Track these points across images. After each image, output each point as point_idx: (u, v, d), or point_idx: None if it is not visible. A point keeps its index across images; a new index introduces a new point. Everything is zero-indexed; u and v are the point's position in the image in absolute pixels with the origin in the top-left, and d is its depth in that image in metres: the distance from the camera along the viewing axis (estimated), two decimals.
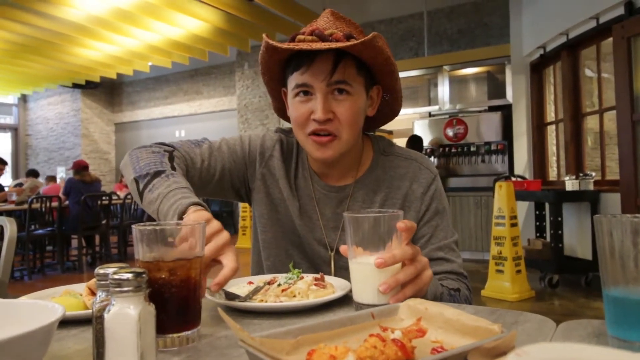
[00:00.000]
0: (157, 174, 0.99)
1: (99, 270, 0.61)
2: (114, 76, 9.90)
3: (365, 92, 1.08)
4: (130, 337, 0.55)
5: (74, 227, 6.31)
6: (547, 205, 5.27)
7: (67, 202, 6.39)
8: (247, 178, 1.20)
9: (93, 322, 0.59)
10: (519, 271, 4.41)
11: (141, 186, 0.98)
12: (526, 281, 4.47)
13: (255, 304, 0.81)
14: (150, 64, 9.12)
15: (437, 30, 7.80)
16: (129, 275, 0.56)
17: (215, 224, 0.80)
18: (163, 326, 0.63)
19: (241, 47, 7.86)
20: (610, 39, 4.47)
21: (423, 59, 7.46)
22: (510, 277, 4.35)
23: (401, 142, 8.27)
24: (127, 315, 0.55)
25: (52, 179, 8.90)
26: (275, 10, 6.39)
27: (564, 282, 4.84)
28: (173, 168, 1.02)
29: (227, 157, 1.16)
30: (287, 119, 1.26)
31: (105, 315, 0.55)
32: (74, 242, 7.06)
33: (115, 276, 0.56)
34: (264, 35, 1.05)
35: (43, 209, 6.21)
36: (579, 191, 4.77)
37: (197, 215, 0.84)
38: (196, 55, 8.20)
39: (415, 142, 6.40)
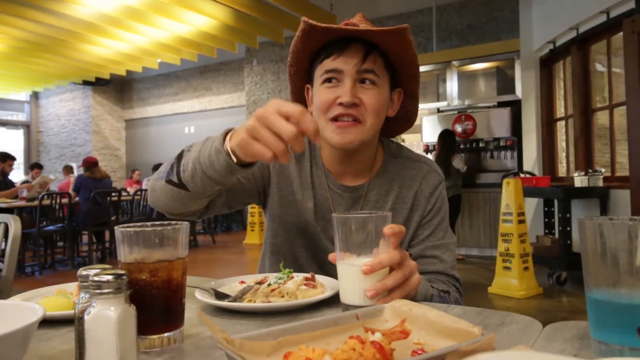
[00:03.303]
0: (179, 157, 0.96)
1: (82, 271, 0.62)
2: (124, 73, 9.97)
3: (389, 89, 1.11)
4: (110, 338, 0.55)
5: (84, 224, 6.37)
6: (555, 202, 5.22)
7: (77, 199, 6.46)
8: (265, 182, 1.18)
9: (75, 323, 0.60)
10: (526, 268, 4.39)
11: (175, 179, 0.95)
12: (533, 278, 4.44)
13: (242, 304, 0.81)
14: (159, 60, 9.17)
15: (446, 25, 7.75)
16: (109, 277, 0.57)
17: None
18: (145, 327, 0.63)
19: (249, 44, 7.87)
20: (621, 34, 4.41)
21: (432, 54, 7.41)
22: (518, 274, 4.33)
23: (409, 137, 8.25)
24: (107, 317, 0.56)
25: (69, 169, 8.99)
26: (283, 7, 6.39)
27: (572, 279, 4.80)
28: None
29: None
30: None
31: (86, 317, 0.56)
32: (85, 238, 7.14)
33: (95, 278, 0.57)
34: (303, 18, 1.05)
35: (55, 205, 6.29)
36: (588, 187, 4.72)
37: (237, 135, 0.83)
38: (204, 52, 8.22)
39: (448, 135, 6.29)
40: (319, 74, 1.08)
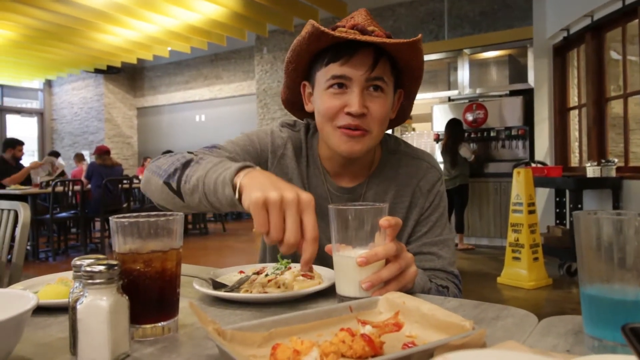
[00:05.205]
0: (186, 164, 0.92)
1: (76, 261, 0.63)
2: (135, 61, 10.00)
3: (393, 93, 1.08)
4: (102, 327, 0.56)
5: (96, 210, 6.45)
6: (567, 192, 5.17)
7: (89, 186, 6.55)
8: None
9: (69, 312, 0.61)
10: (536, 259, 4.36)
11: (174, 184, 0.91)
12: (543, 269, 4.41)
13: (238, 294, 0.82)
14: (169, 49, 9.17)
15: (458, 13, 7.64)
16: (101, 268, 0.57)
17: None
18: (139, 317, 0.64)
19: (259, 32, 7.83)
20: (637, 21, 4.32)
21: (443, 42, 7.32)
22: (527, 265, 4.30)
23: (420, 126, 8.19)
24: (99, 307, 0.56)
25: (80, 157, 9.11)
26: None
27: None
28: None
29: (243, 156, 1.12)
30: (295, 112, 1.24)
31: (78, 306, 0.57)
32: (97, 225, 7.22)
33: (88, 268, 0.57)
34: (311, 21, 1.00)
35: (68, 192, 6.39)
36: (601, 178, 4.66)
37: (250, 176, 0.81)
38: (214, 40, 8.21)
39: (455, 124, 6.25)
40: (323, 77, 1.04)
